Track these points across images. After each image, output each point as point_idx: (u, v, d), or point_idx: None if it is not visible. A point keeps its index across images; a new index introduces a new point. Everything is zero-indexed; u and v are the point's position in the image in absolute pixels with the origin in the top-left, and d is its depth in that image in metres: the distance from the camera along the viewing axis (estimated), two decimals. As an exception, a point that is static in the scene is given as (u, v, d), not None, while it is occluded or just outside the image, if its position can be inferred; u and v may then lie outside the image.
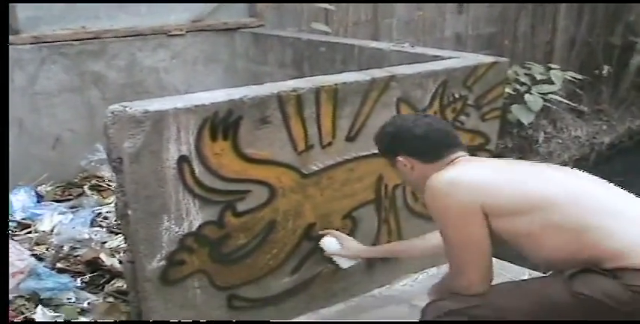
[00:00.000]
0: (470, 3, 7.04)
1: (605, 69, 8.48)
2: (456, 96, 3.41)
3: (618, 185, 2.36)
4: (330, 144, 3.02)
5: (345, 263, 3.18)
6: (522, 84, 6.51)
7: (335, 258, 3.17)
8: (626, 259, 2.08)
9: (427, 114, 2.77)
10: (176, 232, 2.69)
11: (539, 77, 6.66)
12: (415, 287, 3.56)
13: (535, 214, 2.19)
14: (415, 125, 2.48)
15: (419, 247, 3.05)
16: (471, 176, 2.31)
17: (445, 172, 2.35)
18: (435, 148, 2.45)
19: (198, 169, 2.64)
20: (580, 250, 2.15)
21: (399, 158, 2.51)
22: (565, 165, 7.89)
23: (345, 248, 3.12)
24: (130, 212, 2.59)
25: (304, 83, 2.92)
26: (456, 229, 2.27)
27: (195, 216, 2.72)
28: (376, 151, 2.99)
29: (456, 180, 2.29)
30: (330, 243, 3.13)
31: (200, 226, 2.75)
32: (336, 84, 2.95)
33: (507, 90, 5.34)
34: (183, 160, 2.58)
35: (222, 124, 2.64)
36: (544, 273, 2.60)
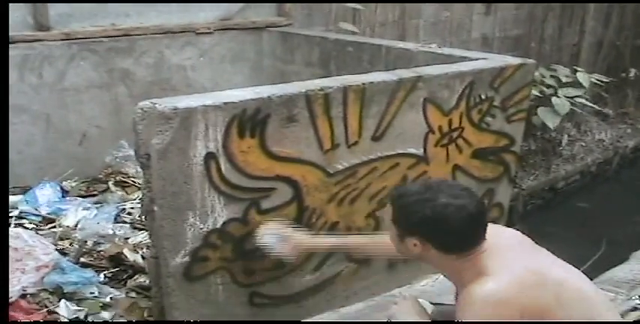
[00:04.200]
0: (497, 3, 6.99)
1: (632, 72, 8.39)
2: (483, 97, 3.40)
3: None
4: (356, 143, 3.02)
5: (290, 258, 2.86)
6: (549, 86, 6.46)
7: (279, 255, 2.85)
8: None
9: (468, 192, 2.22)
10: (200, 229, 2.70)
11: (565, 80, 6.60)
12: (435, 287, 3.55)
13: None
14: (459, 218, 2.12)
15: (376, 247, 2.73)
16: (515, 299, 2.09)
17: (487, 287, 2.10)
18: (466, 245, 2.18)
19: (224, 166, 2.66)
20: None
21: (413, 239, 2.21)
22: (588, 168, 7.84)
23: (289, 245, 2.79)
24: (155, 208, 2.61)
25: (332, 82, 2.93)
26: None
27: (220, 213, 2.73)
28: (402, 151, 3.00)
29: (502, 303, 2.08)
30: (269, 242, 2.81)
31: (224, 223, 2.76)
32: (363, 83, 2.96)
33: (533, 92, 5.29)
34: (210, 157, 2.60)
35: (249, 122, 2.65)
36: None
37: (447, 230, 2.14)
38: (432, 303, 2.66)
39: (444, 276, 2.46)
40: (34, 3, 4.13)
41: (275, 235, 2.80)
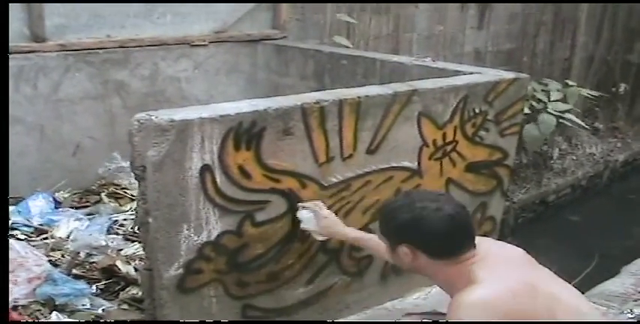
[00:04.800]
0: (492, 3, 7.01)
1: (622, 87, 8.46)
2: (477, 111, 3.42)
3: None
4: (350, 156, 3.03)
5: (320, 236, 2.98)
6: (539, 101, 6.50)
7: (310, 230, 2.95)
8: None
9: (446, 196, 2.39)
10: (195, 241, 2.70)
11: (555, 94, 6.64)
12: (428, 301, 3.55)
13: None
14: (437, 218, 2.17)
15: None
16: (503, 304, 2.09)
17: (475, 292, 2.11)
18: (452, 248, 2.20)
19: (220, 178, 2.66)
20: None
21: (403, 247, 2.24)
22: (579, 182, 7.88)
23: (320, 225, 2.89)
24: (150, 220, 2.61)
25: (327, 96, 2.94)
26: None
27: (215, 225, 2.73)
28: (396, 165, 3.01)
29: (490, 307, 2.07)
30: (305, 217, 2.92)
31: (219, 235, 2.76)
32: (359, 97, 2.97)
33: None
34: (205, 169, 2.60)
35: (245, 135, 2.66)
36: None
37: (429, 232, 2.18)
38: (424, 312, 2.67)
39: (439, 287, 2.45)
40: (30, 14, 4.13)
41: (312, 212, 2.90)
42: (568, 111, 6.46)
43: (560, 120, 6.36)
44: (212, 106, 2.71)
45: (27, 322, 3.00)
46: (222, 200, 2.70)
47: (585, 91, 7.05)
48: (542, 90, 6.73)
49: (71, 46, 4.31)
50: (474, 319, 2.04)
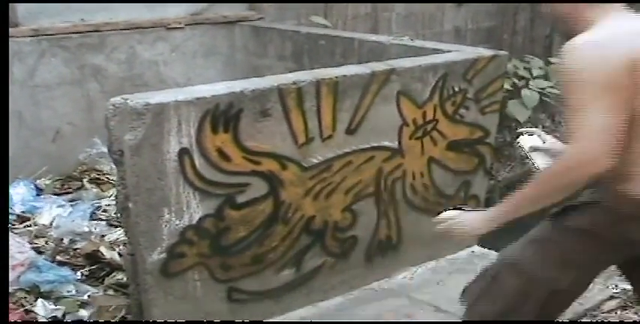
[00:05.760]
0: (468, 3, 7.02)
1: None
2: (456, 89, 3.42)
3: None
4: (330, 137, 3.03)
5: (540, 161, 2.57)
6: (521, 78, 6.50)
7: (531, 156, 2.60)
8: None
9: None
10: (176, 225, 2.70)
11: (537, 71, 6.64)
12: (414, 280, 3.57)
13: None
14: None
15: None
16: (615, 45, 2.02)
17: (587, 35, 2.05)
18: None
19: (198, 161, 2.65)
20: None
21: None
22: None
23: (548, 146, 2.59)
24: (130, 205, 2.60)
25: (305, 76, 2.93)
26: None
27: (196, 209, 2.72)
28: (376, 144, 2.99)
29: (599, 46, 2.01)
30: (529, 140, 2.65)
31: (200, 219, 2.76)
32: (336, 77, 2.96)
33: (505, 85, 5.32)
34: (183, 152, 2.59)
35: (223, 117, 2.64)
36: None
37: None
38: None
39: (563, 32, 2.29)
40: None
41: (539, 139, 2.65)
42: (551, 87, 6.46)
43: (543, 97, 6.37)
44: (188, 89, 2.70)
45: (29, 321, 2.99)
46: (201, 183, 2.69)
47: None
48: (525, 67, 6.72)
49: (45, 30, 4.27)
50: (584, 57, 1.98)
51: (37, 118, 4.35)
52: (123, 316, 3.09)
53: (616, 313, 3.39)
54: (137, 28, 4.63)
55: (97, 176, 4.42)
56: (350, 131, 3.09)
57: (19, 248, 3.29)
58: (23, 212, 3.91)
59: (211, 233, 2.82)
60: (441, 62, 3.37)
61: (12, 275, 3.15)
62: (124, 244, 3.44)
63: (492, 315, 2.32)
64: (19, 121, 4.27)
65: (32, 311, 3.06)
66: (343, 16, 5.83)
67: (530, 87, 6.35)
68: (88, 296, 3.21)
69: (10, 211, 3.88)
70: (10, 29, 4.08)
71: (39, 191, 4.21)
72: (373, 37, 4.42)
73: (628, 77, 1.97)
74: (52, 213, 3.88)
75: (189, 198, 2.68)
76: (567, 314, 2.90)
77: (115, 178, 4.12)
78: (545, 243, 2.30)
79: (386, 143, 3.26)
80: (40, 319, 3.02)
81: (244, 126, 2.72)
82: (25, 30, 4.20)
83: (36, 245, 3.56)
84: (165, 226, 2.67)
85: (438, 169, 3.53)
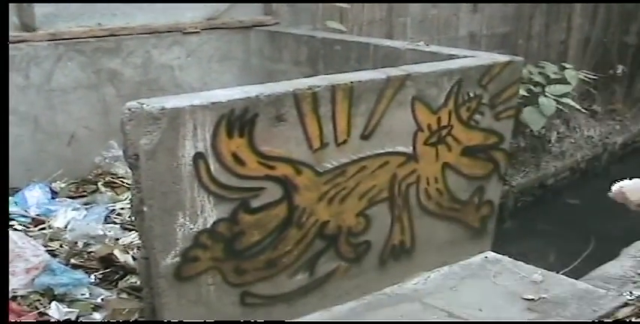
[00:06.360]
0: (484, 3, 7.01)
1: (620, 68, 8.42)
2: (471, 95, 3.41)
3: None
4: (344, 142, 3.02)
5: None
6: (536, 84, 6.47)
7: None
8: None
9: None
10: (190, 229, 2.70)
11: (552, 77, 6.61)
12: (427, 285, 3.56)
13: None
14: None
15: None
16: None
17: None
18: None
19: (213, 166, 2.65)
20: None
21: None
22: (577, 165, 7.86)
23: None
24: (145, 209, 2.61)
25: (320, 81, 2.93)
26: None
27: (210, 213, 2.73)
28: (391, 150, 2.99)
29: None
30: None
31: (214, 223, 2.76)
32: (351, 82, 2.96)
33: (521, 91, 5.30)
34: (199, 157, 2.60)
35: (238, 122, 2.65)
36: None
37: None
38: None
39: None
40: (19, 3, 4.10)
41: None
42: (566, 94, 6.43)
43: (558, 104, 6.33)
44: (204, 94, 2.71)
45: (29, 322, 3.00)
46: (216, 188, 2.70)
47: (582, 74, 7.02)
48: (540, 73, 6.69)
49: (62, 35, 4.29)
50: None
51: (52, 121, 4.38)
52: (136, 319, 3.10)
53: (630, 320, 3.36)
54: (153, 32, 4.65)
55: (112, 180, 4.43)
56: (365, 136, 3.09)
57: (33, 251, 3.30)
58: (38, 215, 3.92)
59: (225, 237, 2.82)
60: (456, 68, 3.36)
61: (26, 278, 3.17)
62: (138, 248, 3.45)
63: None
64: (35, 124, 4.30)
65: (46, 314, 3.06)
66: (359, 21, 5.84)
67: (547, 94, 6.31)
68: (102, 299, 3.21)
69: (25, 213, 3.91)
70: (27, 34, 4.14)
71: (54, 194, 4.23)
72: (388, 43, 4.42)
73: None
74: (67, 216, 3.90)
75: (203, 202, 2.69)
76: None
77: (129, 181, 4.15)
78: None
79: (400, 148, 3.25)
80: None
81: (259, 131, 2.72)
82: (42, 34, 4.22)
83: (50, 248, 3.57)
84: (180, 229, 2.67)
85: (452, 175, 3.52)
